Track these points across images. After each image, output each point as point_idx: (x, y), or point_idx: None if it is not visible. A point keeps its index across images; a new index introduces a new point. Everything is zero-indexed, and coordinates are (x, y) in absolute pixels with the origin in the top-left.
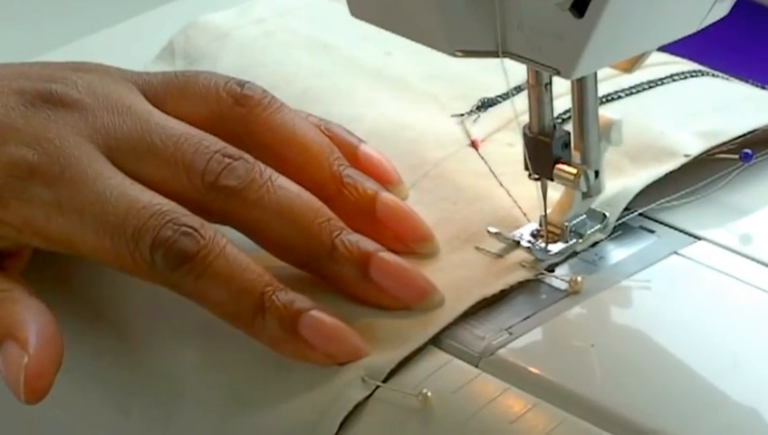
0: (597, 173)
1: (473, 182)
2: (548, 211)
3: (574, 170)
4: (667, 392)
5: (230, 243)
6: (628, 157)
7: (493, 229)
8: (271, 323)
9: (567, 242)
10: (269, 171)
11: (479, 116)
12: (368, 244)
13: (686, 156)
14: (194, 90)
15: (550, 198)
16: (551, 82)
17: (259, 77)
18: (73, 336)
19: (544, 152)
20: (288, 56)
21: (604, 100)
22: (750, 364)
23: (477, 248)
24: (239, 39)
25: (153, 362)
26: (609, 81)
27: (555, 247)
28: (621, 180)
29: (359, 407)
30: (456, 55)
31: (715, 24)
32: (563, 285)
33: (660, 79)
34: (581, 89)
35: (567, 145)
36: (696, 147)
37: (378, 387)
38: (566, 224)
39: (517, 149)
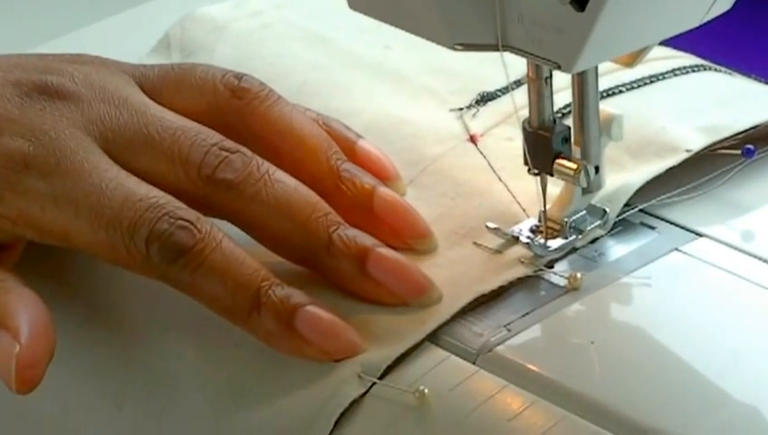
0: (597, 168)
1: (472, 177)
2: (547, 207)
3: (574, 165)
4: (668, 390)
5: (226, 237)
6: (628, 152)
7: (491, 225)
8: (267, 318)
9: (566, 238)
10: (266, 165)
11: (478, 110)
12: (365, 239)
13: (688, 151)
14: (191, 82)
15: (549, 193)
16: (551, 76)
17: (256, 70)
18: (68, 330)
19: (544, 147)
20: (285, 49)
21: (605, 94)
22: (751, 362)
23: (476, 244)
24: (236, 31)
25: (147, 356)
26: (609, 75)
27: (554, 243)
28: (622, 176)
29: (355, 404)
30: (455, 49)
31: (717, 18)
32: (562, 282)
33: (662, 73)
34: (582, 83)
35: (567, 140)
36: (697, 142)
37: (374, 384)
38: (566, 220)
39: (517, 144)
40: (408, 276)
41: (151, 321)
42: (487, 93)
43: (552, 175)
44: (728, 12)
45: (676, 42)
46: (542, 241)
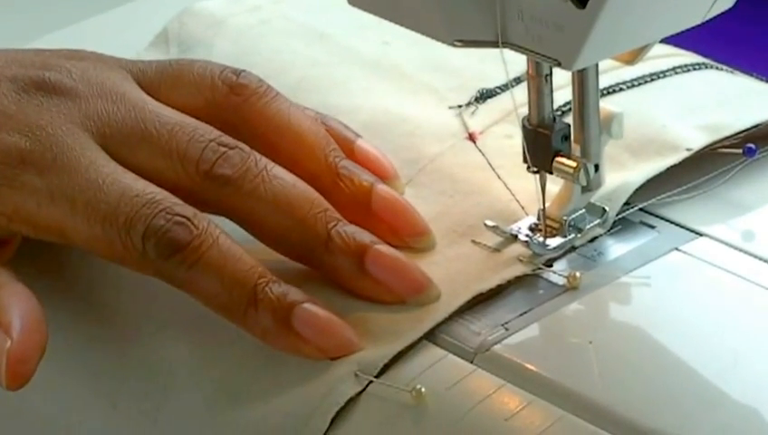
0: (597, 167)
1: (470, 175)
2: (547, 205)
3: (574, 163)
4: (667, 391)
5: (223, 233)
6: (629, 151)
7: (490, 223)
8: (263, 315)
9: (566, 237)
10: (264, 161)
11: (477, 108)
12: (364, 236)
13: (689, 150)
14: (189, 78)
15: (549, 191)
16: (551, 74)
17: (254, 65)
18: (62, 327)
19: (544, 145)
20: (284, 45)
21: (605, 92)
22: (751, 362)
23: (474, 242)
24: (234, 26)
25: (142, 354)
26: (610, 72)
27: (553, 242)
28: (622, 174)
29: (351, 402)
30: (455, 45)
31: (719, 15)
32: (561, 281)
33: (663, 71)
34: (582, 81)
35: (567, 138)
36: (698, 141)
37: (370, 382)
38: (565, 218)
39: (516, 141)
40: (407, 274)
41: (146, 318)
42: (487, 90)
43: (551, 173)
44: (730, 9)
45: (678, 39)
46: (541, 239)
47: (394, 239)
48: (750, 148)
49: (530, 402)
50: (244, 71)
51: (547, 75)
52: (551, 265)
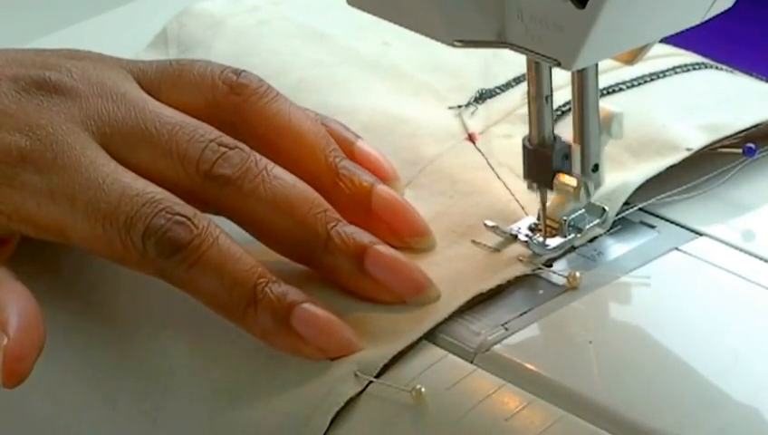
0: (597, 166)
1: (470, 176)
2: (546, 204)
3: (574, 182)
4: (667, 391)
5: (223, 233)
6: (629, 151)
7: (490, 223)
8: (263, 315)
9: (565, 236)
10: (264, 161)
11: (477, 108)
12: (364, 236)
13: (689, 150)
14: (189, 78)
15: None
16: (551, 95)
17: (253, 66)
18: (62, 327)
19: (544, 164)
20: (283, 45)
21: (605, 92)
22: (751, 363)
23: (474, 242)
24: (233, 27)
25: (142, 354)
26: (610, 72)
27: (553, 242)
28: (622, 174)
29: (351, 402)
30: (454, 45)
31: (719, 15)
32: (561, 281)
33: (663, 71)
34: (582, 81)
35: (567, 157)
36: (698, 141)
37: (370, 382)
38: (565, 218)
39: (515, 141)
40: (407, 274)
41: (146, 319)
42: (486, 91)
43: (551, 190)
44: (729, 9)
45: (677, 39)
46: (541, 239)
47: (394, 240)
48: (750, 147)
49: (530, 402)
50: (244, 71)
51: (547, 96)
52: (551, 265)
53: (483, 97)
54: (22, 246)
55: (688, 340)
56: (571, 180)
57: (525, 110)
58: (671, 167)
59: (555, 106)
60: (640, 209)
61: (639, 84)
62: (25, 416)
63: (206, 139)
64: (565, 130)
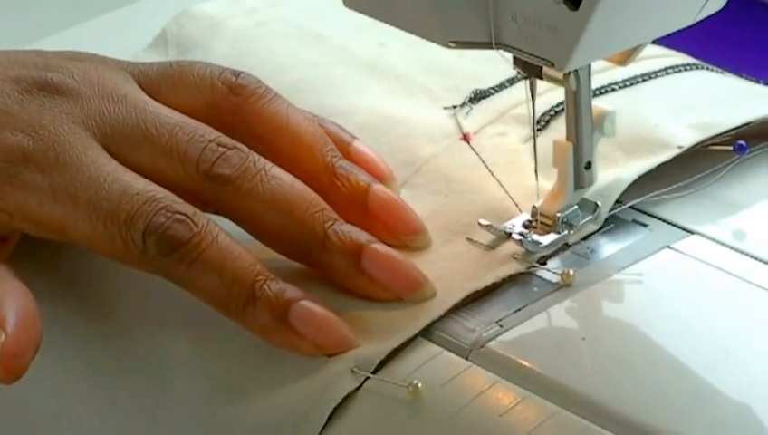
0: (589, 164)
1: (465, 175)
2: (540, 202)
3: (560, 75)
4: (658, 386)
5: (223, 231)
6: (621, 149)
7: (484, 221)
8: (261, 312)
9: (558, 233)
10: (263, 161)
11: (471, 108)
12: (360, 235)
13: (680, 148)
14: (189, 79)
15: (542, 188)
16: None
17: (251, 67)
18: (63, 325)
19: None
20: (280, 46)
21: (598, 92)
22: (741, 359)
23: (469, 240)
24: (231, 28)
25: (142, 351)
26: (603, 73)
27: (546, 239)
28: (614, 171)
29: (348, 398)
30: (449, 47)
31: (710, 17)
32: (555, 278)
33: (654, 72)
34: (576, 81)
35: None
36: (689, 139)
37: (367, 378)
38: (558, 214)
39: (509, 139)
40: (403, 272)
41: (146, 316)
42: (480, 91)
43: (541, 78)
44: (720, 11)
45: (669, 41)
46: (535, 237)
47: (390, 238)
48: (741, 145)
49: (524, 398)
50: (243, 72)
51: None
52: (544, 263)
53: (477, 97)
54: (23, 244)
55: (680, 337)
56: (557, 73)
57: (519, 110)
58: (663, 165)
59: (549, 106)
60: (632, 208)
61: (632, 84)
62: (26, 413)
63: (206, 139)
64: (559, 129)
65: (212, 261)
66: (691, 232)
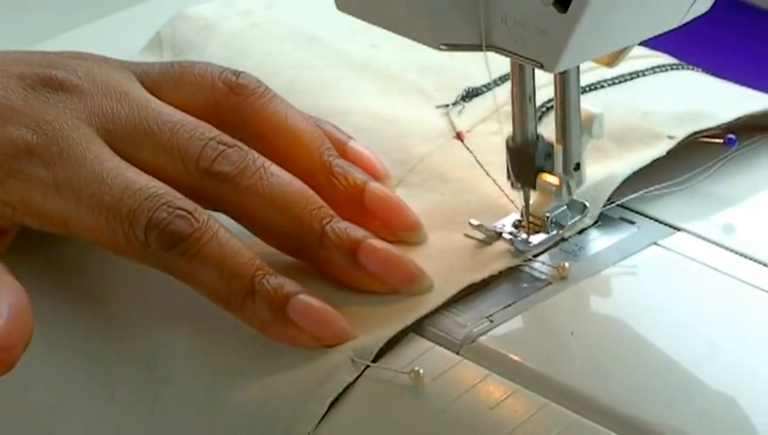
0: (578, 165)
1: (459, 174)
2: (530, 202)
3: (557, 181)
4: (646, 380)
5: (223, 227)
6: (612, 138)
7: (474, 222)
8: (260, 306)
9: (548, 233)
10: (262, 159)
11: (464, 107)
12: (357, 231)
13: (670, 137)
14: (190, 79)
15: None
16: (534, 95)
17: (245, 68)
18: (62, 318)
19: (527, 163)
20: (274, 48)
21: (587, 89)
22: (727, 353)
23: (466, 236)
24: (225, 30)
25: (141, 344)
26: (591, 72)
27: (536, 239)
28: (607, 164)
29: (346, 387)
30: (440, 49)
31: (696, 18)
32: (544, 275)
33: (642, 71)
34: (564, 82)
35: (549, 155)
36: (679, 129)
37: (367, 367)
38: (547, 215)
39: (502, 137)
40: (399, 266)
41: (145, 310)
42: (472, 89)
43: (534, 189)
44: (706, 13)
45: (656, 42)
46: (524, 236)
47: (387, 235)
48: (730, 138)
49: (514, 391)
50: (243, 72)
51: (530, 96)
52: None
53: (469, 95)
54: (23, 238)
55: (667, 331)
56: (553, 179)
57: (511, 107)
58: (652, 163)
59: (538, 103)
60: (620, 205)
61: (620, 82)
62: (25, 406)
63: (206, 137)
64: (547, 128)
65: (212, 256)
66: (677, 229)
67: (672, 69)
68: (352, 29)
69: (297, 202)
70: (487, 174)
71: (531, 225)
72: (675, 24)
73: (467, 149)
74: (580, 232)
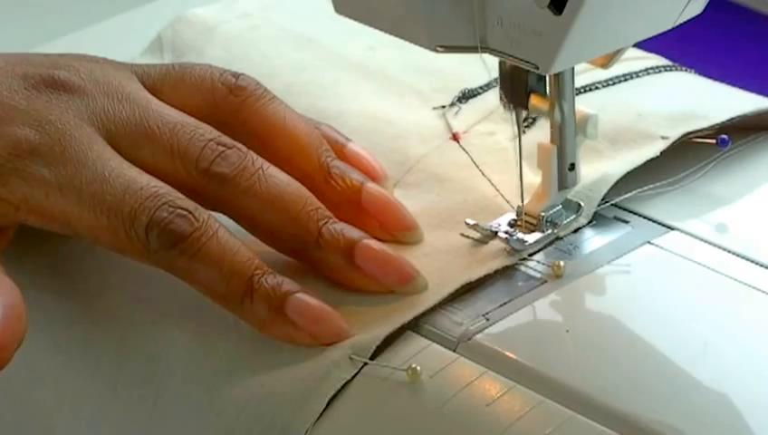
0: (573, 165)
1: (456, 174)
2: (525, 202)
3: (548, 102)
4: (640, 377)
5: (222, 227)
6: (606, 139)
7: (470, 221)
8: (259, 304)
9: (543, 232)
10: (260, 160)
11: (460, 108)
12: (353, 232)
13: (664, 138)
14: (190, 80)
15: (527, 186)
16: None
17: (245, 71)
18: (65, 316)
19: (519, 83)
20: (273, 50)
21: (581, 90)
22: (720, 350)
23: (463, 235)
24: (225, 33)
25: (143, 341)
26: (585, 73)
27: (531, 238)
28: (601, 164)
29: (344, 384)
30: (437, 51)
31: (689, 21)
32: (540, 274)
33: (635, 72)
34: (559, 83)
35: (542, 78)
36: (672, 130)
37: (365, 364)
38: (542, 214)
39: (498, 138)
40: (395, 266)
41: (147, 307)
42: (469, 91)
43: (526, 109)
44: (699, 15)
45: (649, 44)
46: (520, 236)
47: (384, 235)
48: (723, 139)
49: (510, 389)
50: (242, 74)
51: None
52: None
53: (465, 97)
54: (26, 237)
55: (660, 329)
56: (543, 103)
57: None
58: (645, 163)
59: None
60: (614, 205)
61: (614, 83)
62: (28, 402)
63: (206, 138)
64: (543, 129)
65: (212, 255)
66: (671, 228)
67: (665, 70)
68: (350, 31)
69: (295, 203)
70: (483, 174)
71: (526, 223)
72: (668, 27)
73: (464, 149)
74: (575, 231)
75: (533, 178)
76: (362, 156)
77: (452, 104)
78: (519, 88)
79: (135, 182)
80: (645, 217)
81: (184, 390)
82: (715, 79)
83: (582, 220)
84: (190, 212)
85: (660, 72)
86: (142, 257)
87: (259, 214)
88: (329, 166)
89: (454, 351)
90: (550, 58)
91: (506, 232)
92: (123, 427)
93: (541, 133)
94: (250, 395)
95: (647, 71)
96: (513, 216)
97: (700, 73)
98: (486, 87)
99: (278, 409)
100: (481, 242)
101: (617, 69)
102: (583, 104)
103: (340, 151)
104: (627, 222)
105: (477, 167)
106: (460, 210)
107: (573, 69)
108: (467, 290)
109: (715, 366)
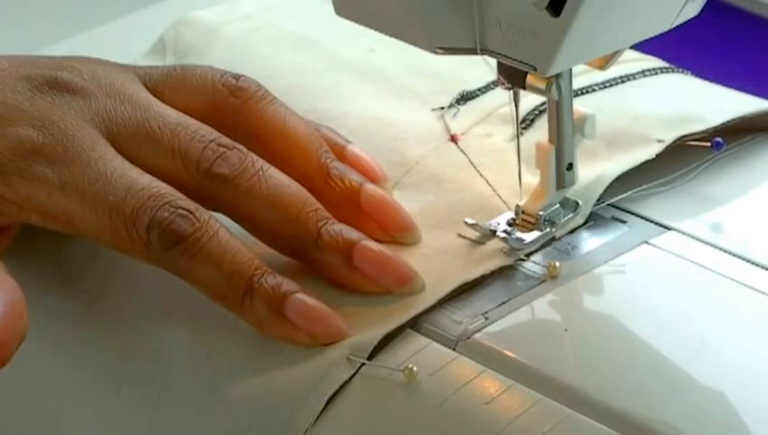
0: (570, 165)
1: (454, 175)
2: (523, 201)
3: (544, 84)
4: (637, 375)
5: (223, 227)
6: (603, 141)
7: (470, 220)
8: (258, 304)
9: (541, 231)
10: (261, 162)
11: (459, 110)
12: (351, 233)
13: (660, 141)
14: (191, 82)
15: (525, 186)
16: None
17: (246, 72)
18: (69, 316)
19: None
20: (274, 52)
21: (579, 92)
22: (716, 349)
23: (460, 236)
24: (227, 35)
25: (147, 340)
26: (583, 75)
27: (529, 237)
28: (597, 166)
29: (342, 384)
30: (436, 52)
31: (686, 23)
32: (538, 273)
33: (633, 74)
34: (557, 84)
35: None
36: (668, 132)
37: (363, 365)
38: (540, 213)
39: (496, 139)
40: (393, 267)
41: (150, 307)
42: (467, 92)
43: (524, 88)
44: (696, 17)
45: (646, 46)
46: (519, 234)
47: (382, 235)
48: (718, 141)
49: (509, 387)
50: (243, 75)
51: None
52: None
53: (464, 98)
54: (29, 237)
55: (657, 328)
56: (540, 82)
57: (504, 110)
58: (642, 163)
59: (533, 106)
60: (611, 205)
61: (611, 85)
62: (31, 402)
63: (207, 139)
64: (543, 128)
65: (212, 255)
66: (668, 228)
67: (662, 72)
68: (350, 33)
69: (294, 204)
70: (481, 175)
71: (524, 222)
72: (665, 28)
73: (462, 151)
74: (574, 231)
75: (531, 178)
76: (362, 158)
77: (450, 106)
78: (516, 68)
79: (137, 182)
80: (642, 218)
81: (185, 389)
82: (712, 81)
83: (579, 220)
84: (191, 212)
85: (657, 73)
86: (144, 257)
87: (259, 214)
88: (328, 167)
89: (453, 349)
90: (548, 60)
91: (505, 231)
92: (127, 425)
93: (539, 134)
94: (249, 394)
95: (644, 72)
96: (511, 215)
97: (697, 75)
98: (485, 89)
99: (278, 408)
100: (478, 242)
101: (614, 71)
102: (580, 106)
103: (340, 153)
104: (624, 222)
105: (475, 167)
106: (458, 210)
107: (571, 70)
108: (466, 289)
109: (711, 365)
